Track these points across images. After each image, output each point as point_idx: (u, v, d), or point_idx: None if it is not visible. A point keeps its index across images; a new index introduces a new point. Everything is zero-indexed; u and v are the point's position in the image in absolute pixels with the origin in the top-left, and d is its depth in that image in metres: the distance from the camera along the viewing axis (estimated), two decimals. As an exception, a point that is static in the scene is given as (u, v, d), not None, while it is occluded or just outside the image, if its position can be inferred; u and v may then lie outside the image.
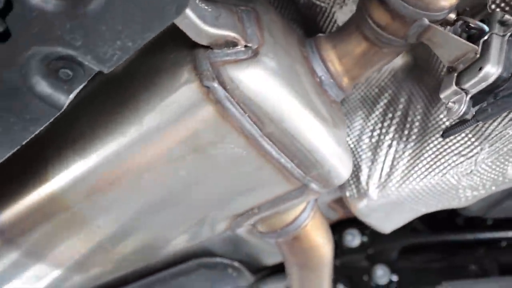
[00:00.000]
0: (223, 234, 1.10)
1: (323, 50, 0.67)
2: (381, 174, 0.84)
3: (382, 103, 0.88)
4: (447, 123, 0.75)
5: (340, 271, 1.30)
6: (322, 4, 0.77)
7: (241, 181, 0.67)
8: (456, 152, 0.75)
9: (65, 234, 0.77)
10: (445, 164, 0.76)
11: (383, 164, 0.84)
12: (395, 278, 1.29)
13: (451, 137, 0.74)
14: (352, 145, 0.89)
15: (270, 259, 1.33)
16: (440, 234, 1.26)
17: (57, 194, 0.70)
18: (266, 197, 0.71)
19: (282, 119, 0.57)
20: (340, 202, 1.07)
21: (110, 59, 0.47)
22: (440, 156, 0.78)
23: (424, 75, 0.80)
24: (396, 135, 0.85)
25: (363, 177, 0.85)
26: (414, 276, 1.29)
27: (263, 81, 0.55)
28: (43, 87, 0.50)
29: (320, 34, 0.70)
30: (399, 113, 0.85)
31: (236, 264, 1.05)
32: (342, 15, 0.78)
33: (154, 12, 0.43)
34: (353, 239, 1.31)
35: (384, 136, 0.86)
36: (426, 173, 0.79)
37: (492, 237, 1.18)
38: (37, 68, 0.48)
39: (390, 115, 0.86)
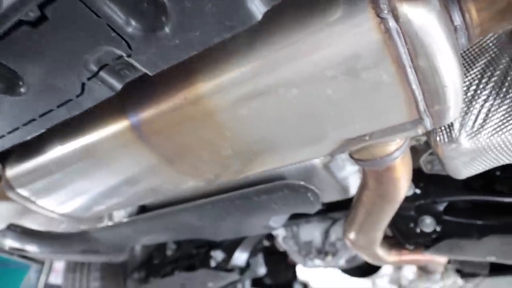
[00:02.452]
0: (300, 164, 1.21)
1: (462, 1, 0.74)
2: (474, 124, 0.93)
3: (481, 62, 0.96)
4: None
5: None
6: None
7: (371, 106, 0.76)
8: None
9: (196, 139, 0.87)
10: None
11: (477, 115, 0.93)
12: (439, 228, 1.42)
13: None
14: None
15: (326, 198, 1.46)
16: (487, 195, 1.36)
17: (203, 97, 0.79)
18: (382, 126, 0.80)
19: (435, 55, 0.65)
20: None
21: None
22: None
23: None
24: (493, 92, 0.93)
25: (456, 125, 0.95)
26: (457, 228, 1.40)
27: (431, 20, 0.63)
28: None
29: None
30: (498, 72, 0.93)
31: (316, 190, 1.16)
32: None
33: None
34: (408, 189, 1.42)
35: (481, 92, 0.94)
36: None
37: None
38: None
39: (489, 73, 0.94)
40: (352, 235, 1.38)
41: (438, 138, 0.98)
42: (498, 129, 0.92)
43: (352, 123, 0.81)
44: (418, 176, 1.43)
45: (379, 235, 1.33)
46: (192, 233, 1.57)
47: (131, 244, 1.60)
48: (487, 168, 1.01)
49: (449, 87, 0.71)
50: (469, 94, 0.96)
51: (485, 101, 0.94)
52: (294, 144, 0.88)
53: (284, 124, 0.81)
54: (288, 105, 0.76)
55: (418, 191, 1.43)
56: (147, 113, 0.86)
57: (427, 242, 1.46)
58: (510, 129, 0.91)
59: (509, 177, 1.45)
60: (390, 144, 0.89)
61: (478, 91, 0.95)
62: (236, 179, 1.16)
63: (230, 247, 1.88)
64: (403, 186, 1.01)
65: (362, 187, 1.08)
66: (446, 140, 0.97)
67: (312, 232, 1.85)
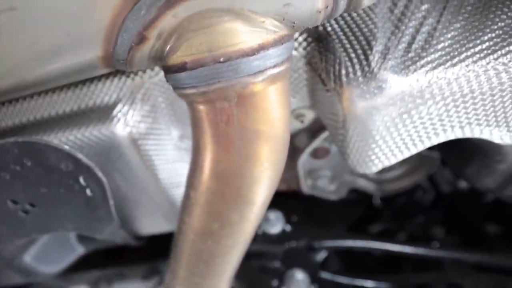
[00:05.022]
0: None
1: None
2: (408, 48, 0.50)
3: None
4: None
5: (243, 267, 0.88)
6: None
7: None
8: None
9: None
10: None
11: (413, 37, 0.50)
12: (314, 291, 0.91)
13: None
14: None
15: (145, 224, 0.88)
16: (387, 242, 0.93)
17: None
18: None
19: None
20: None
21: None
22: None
23: None
24: (438, 6, 0.52)
25: (377, 49, 0.50)
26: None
27: None
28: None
29: None
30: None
31: (102, 180, 0.58)
32: None
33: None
34: (275, 223, 0.92)
35: (417, 6, 0.53)
36: (489, 58, 0.47)
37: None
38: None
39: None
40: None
41: (343, 72, 0.51)
42: (448, 59, 0.49)
43: None
44: (289, 204, 0.95)
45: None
46: None
47: None
48: (419, 147, 0.57)
49: None
50: (397, 11, 0.54)
51: (425, 17, 0.52)
52: None
53: None
54: None
55: (288, 227, 0.93)
56: None
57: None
58: (471, 62, 0.49)
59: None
60: (251, 27, 0.40)
61: (412, 6, 0.54)
62: None
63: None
64: (272, 159, 0.49)
65: (192, 166, 0.54)
66: (359, 73, 0.51)
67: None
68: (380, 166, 0.58)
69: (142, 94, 0.65)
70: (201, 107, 0.45)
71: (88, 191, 0.59)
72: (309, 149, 0.77)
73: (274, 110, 0.46)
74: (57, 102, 0.67)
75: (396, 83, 0.49)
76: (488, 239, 1.13)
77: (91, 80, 0.65)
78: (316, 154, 0.80)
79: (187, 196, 0.57)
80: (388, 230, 1.18)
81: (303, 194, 0.95)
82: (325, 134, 0.74)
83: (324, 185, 0.88)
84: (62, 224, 0.66)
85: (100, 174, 0.58)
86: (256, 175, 0.49)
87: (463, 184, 1.18)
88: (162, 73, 0.64)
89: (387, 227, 1.19)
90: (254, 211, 0.55)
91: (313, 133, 0.77)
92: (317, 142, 0.75)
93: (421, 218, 1.19)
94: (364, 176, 0.95)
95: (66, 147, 0.54)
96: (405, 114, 0.51)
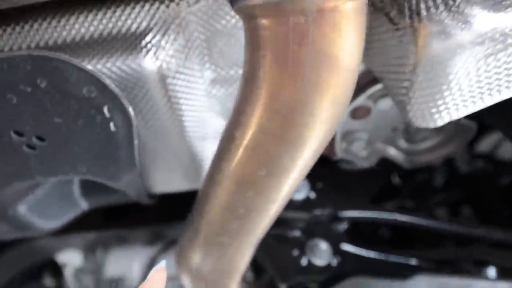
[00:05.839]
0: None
1: None
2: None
3: None
4: None
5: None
6: None
7: None
8: None
9: None
10: None
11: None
12: (335, 262, 0.85)
13: None
14: None
15: (160, 181, 0.80)
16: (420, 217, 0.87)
17: None
18: None
19: None
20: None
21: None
22: None
23: None
24: None
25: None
26: (362, 266, 0.86)
27: None
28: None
29: None
30: None
31: (129, 112, 0.50)
32: None
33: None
34: (300, 189, 0.86)
35: None
36: None
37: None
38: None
39: None
40: (195, 258, 0.71)
41: (423, 6, 0.44)
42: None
43: None
44: (315, 170, 0.88)
45: (244, 256, 0.69)
46: None
47: None
48: (495, 98, 0.50)
49: None
50: None
51: None
52: None
53: None
54: None
55: (313, 195, 0.87)
56: None
57: (314, 285, 0.87)
58: None
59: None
60: None
61: None
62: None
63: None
64: (340, 95, 0.42)
65: (240, 100, 0.46)
66: (442, 8, 0.43)
67: (127, 262, 1.13)
68: (446, 119, 0.52)
69: (176, 25, 0.57)
70: (268, 23, 0.38)
71: (111, 125, 0.51)
72: (350, 107, 0.70)
73: (353, 34, 0.39)
74: (75, 27, 0.58)
75: (486, 18, 0.42)
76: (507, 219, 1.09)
77: (117, 3, 0.57)
78: (356, 113, 0.73)
79: (229, 138, 0.49)
80: (403, 207, 1.14)
81: (330, 161, 0.88)
82: (371, 91, 0.68)
83: (358, 149, 0.82)
84: (74, 166, 0.58)
85: (128, 105, 0.50)
86: (320, 112, 0.42)
87: (480, 164, 1.14)
88: (203, 1, 0.56)
89: (404, 203, 1.14)
90: (307, 158, 0.48)
91: (356, 90, 0.70)
92: (361, 99, 0.68)
93: (441, 196, 1.14)
94: (395, 146, 0.89)
95: (91, 67, 0.46)
96: (491, 57, 0.44)
